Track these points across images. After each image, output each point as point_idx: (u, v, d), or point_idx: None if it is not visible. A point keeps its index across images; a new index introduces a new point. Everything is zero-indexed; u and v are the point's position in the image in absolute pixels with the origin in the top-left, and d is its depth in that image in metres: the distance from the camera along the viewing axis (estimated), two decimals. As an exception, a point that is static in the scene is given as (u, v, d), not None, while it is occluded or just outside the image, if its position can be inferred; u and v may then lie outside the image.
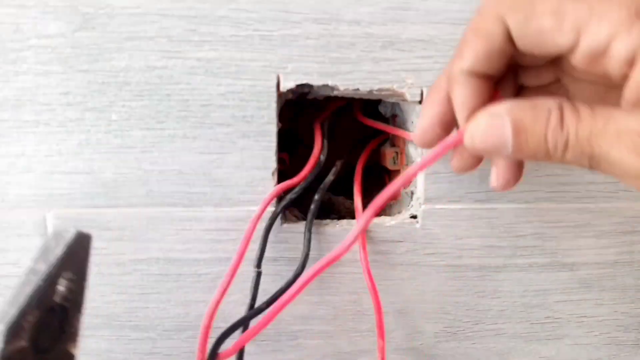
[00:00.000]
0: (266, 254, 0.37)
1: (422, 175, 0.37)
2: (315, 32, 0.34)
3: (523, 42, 0.25)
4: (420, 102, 0.36)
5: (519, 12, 0.24)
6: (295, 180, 0.37)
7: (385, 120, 0.44)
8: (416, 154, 0.39)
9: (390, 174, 0.44)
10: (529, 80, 0.29)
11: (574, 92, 0.28)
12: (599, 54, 0.23)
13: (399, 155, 0.41)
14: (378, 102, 0.43)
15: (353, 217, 0.39)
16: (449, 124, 0.28)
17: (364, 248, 0.37)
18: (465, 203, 0.38)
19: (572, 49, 0.24)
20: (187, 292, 0.37)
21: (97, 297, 0.37)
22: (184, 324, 0.38)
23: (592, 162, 0.24)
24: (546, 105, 0.24)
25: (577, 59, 0.24)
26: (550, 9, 0.24)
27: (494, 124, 0.25)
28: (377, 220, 0.38)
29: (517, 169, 0.28)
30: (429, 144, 0.29)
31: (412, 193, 0.39)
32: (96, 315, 0.37)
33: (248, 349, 0.39)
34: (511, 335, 0.41)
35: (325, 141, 0.39)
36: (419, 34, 0.35)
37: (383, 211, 0.40)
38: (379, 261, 0.38)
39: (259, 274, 0.35)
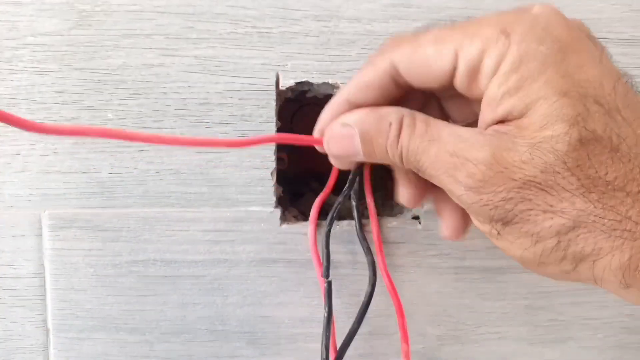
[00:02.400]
0: (265, 255, 0.36)
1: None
2: (315, 29, 0.34)
3: (410, 73, 0.27)
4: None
5: (406, 47, 0.26)
6: (327, 190, 0.37)
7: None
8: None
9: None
10: (451, 112, 0.30)
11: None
12: (474, 72, 0.25)
13: None
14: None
15: (352, 218, 0.38)
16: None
17: (381, 251, 0.36)
18: (468, 203, 0.37)
19: (452, 71, 0.25)
20: (184, 294, 0.37)
21: (93, 299, 0.36)
22: (181, 326, 0.37)
23: (422, 174, 0.26)
24: (388, 118, 0.26)
25: (459, 82, 0.26)
26: (432, 38, 0.26)
27: (345, 133, 0.28)
28: (382, 221, 0.37)
29: (463, 217, 0.30)
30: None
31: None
32: (92, 317, 0.37)
33: (247, 352, 0.38)
34: (515, 338, 0.40)
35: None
36: (420, 31, 0.34)
37: (384, 212, 0.39)
38: (380, 263, 0.37)
39: (329, 284, 0.35)
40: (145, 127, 0.34)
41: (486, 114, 0.25)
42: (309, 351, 0.39)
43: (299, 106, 0.40)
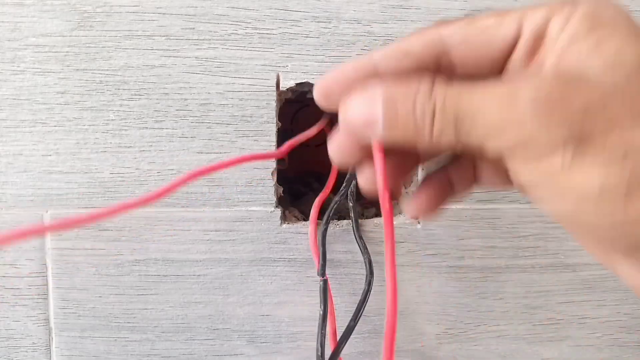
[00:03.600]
0: (265, 255, 0.37)
1: (423, 174, 0.37)
2: (315, 31, 0.34)
3: (464, 45, 0.24)
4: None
5: (460, 22, 0.24)
6: (327, 190, 0.37)
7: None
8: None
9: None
10: (484, 174, 0.27)
11: None
12: (539, 38, 0.23)
13: None
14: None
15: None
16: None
17: (392, 251, 0.36)
18: (467, 203, 0.37)
19: (515, 40, 0.23)
20: (185, 293, 0.37)
21: (95, 298, 0.37)
22: (182, 325, 0.38)
23: (457, 125, 0.22)
24: (417, 76, 0.23)
25: (521, 52, 0.24)
26: (491, 14, 0.24)
27: (367, 96, 0.23)
28: (377, 220, 0.38)
29: (441, 195, 0.27)
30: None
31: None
32: (94, 316, 0.37)
33: (247, 350, 0.38)
34: (513, 336, 0.40)
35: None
36: (420, 32, 0.35)
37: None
38: (380, 262, 0.38)
39: (325, 282, 0.35)
40: (146, 128, 0.35)
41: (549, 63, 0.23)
42: (309, 350, 0.39)
43: (300, 107, 0.40)
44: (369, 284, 0.35)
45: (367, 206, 0.40)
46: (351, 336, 0.37)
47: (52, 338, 0.37)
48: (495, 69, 0.24)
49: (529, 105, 0.20)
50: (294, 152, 0.41)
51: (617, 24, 0.22)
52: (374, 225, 0.37)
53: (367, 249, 0.36)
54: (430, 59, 0.24)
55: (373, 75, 0.24)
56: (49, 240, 0.36)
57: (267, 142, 0.35)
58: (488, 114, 0.21)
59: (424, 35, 0.24)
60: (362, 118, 0.23)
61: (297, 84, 0.35)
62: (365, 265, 0.36)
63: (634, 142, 0.20)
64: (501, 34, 0.24)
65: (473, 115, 0.21)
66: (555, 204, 0.22)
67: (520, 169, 0.22)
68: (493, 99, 0.21)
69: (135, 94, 0.34)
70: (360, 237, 0.36)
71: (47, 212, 0.35)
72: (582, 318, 0.40)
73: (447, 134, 0.22)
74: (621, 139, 0.20)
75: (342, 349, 0.34)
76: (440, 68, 0.24)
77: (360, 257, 0.37)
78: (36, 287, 0.36)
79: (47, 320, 0.37)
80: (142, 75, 0.34)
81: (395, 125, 0.23)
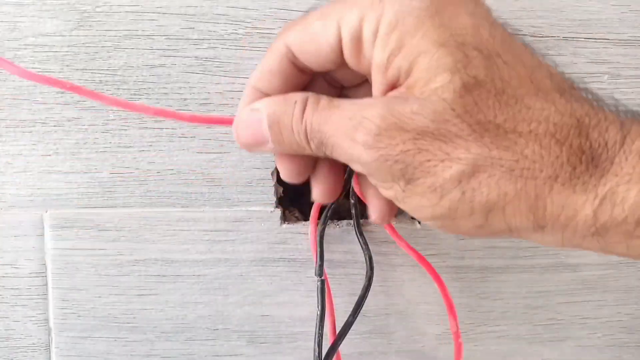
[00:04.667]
0: (265, 255, 0.37)
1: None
2: (315, 30, 0.34)
3: (303, 52, 0.26)
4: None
5: (296, 27, 0.26)
6: None
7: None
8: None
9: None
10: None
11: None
12: (358, 41, 0.24)
13: None
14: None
15: (351, 218, 0.38)
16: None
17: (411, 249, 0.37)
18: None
19: (339, 44, 0.25)
20: (185, 293, 0.37)
21: (95, 298, 0.37)
22: (182, 325, 0.38)
23: (325, 149, 0.25)
24: (294, 98, 0.26)
25: (348, 56, 0.25)
26: (318, 14, 0.26)
27: (253, 118, 0.27)
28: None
29: (390, 204, 0.29)
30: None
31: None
32: (93, 316, 0.37)
33: (247, 351, 0.38)
34: (514, 337, 0.40)
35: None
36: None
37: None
38: (380, 262, 0.38)
39: (323, 282, 0.35)
40: (146, 127, 0.35)
41: (378, 82, 0.25)
42: (309, 350, 0.39)
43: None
44: (369, 279, 0.35)
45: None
46: (351, 337, 0.37)
47: (52, 338, 0.37)
48: (337, 64, 0.26)
49: (362, 150, 0.24)
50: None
51: (421, 21, 0.23)
52: (374, 224, 0.37)
53: (367, 245, 0.36)
54: (288, 67, 0.27)
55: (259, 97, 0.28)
56: (49, 240, 0.36)
57: (267, 142, 0.35)
58: (339, 145, 0.25)
59: (273, 51, 0.27)
60: (252, 139, 0.27)
61: (297, 84, 0.35)
62: (366, 261, 0.36)
63: (444, 180, 0.23)
64: (326, 40, 0.25)
65: (332, 142, 0.25)
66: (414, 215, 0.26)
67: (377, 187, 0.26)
68: (341, 129, 0.24)
69: (135, 94, 0.34)
70: (362, 234, 0.36)
71: (46, 212, 0.35)
72: (583, 318, 0.40)
73: (321, 151, 0.26)
74: (436, 179, 0.23)
75: (340, 344, 0.34)
76: (301, 68, 0.27)
77: (360, 257, 0.37)
78: (36, 287, 0.36)
79: (46, 320, 0.37)
80: (142, 75, 0.34)
81: (282, 142, 0.26)
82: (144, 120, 0.34)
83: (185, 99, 0.34)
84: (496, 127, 0.22)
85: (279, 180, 0.36)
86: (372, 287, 0.36)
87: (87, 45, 0.34)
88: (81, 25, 0.34)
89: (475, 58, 0.23)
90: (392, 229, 0.36)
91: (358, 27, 0.24)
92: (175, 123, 0.35)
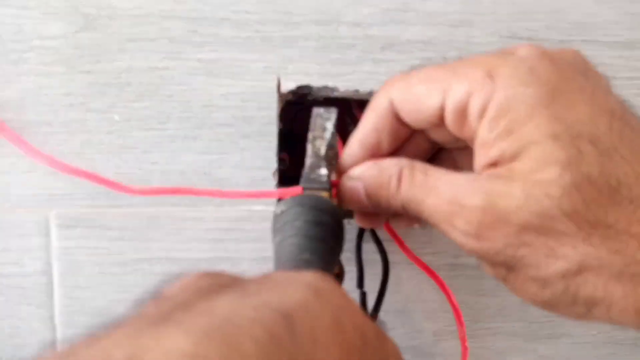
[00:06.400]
0: (267, 254, 0.37)
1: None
2: (316, 34, 0.35)
3: (405, 110, 0.27)
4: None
5: (400, 83, 0.27)
6: None
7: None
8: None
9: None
10: (460, 162, 0.30)
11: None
12: (462, 113, 0.25)
13: None
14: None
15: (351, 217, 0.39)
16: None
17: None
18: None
19: (442, 110, 0.25)
20: (188, 291, 0.37)
21: (99, 296, 0.37)
22: (185, 323, 0.38)
23: (428, 223, 0.26)
24: (388, 172, 0.27)
25: (449, 122, 0.26)
26: (423, 77, 0.26)
27: (352, 187, 0.28)
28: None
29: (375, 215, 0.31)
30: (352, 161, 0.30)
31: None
32: (98, 315, 0.37)
33: (249, 347, 0.39)
34: (510, 334, 0.41)
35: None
36: (419, 35, 0.35)
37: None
38: (377, 260, 0.38)
39: (364, 294, 0.36)
40: (150, 129, 0.35)
41: (480, 157, 0.25)
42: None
43: (300, 108, 0.40)
44: (386, 268, 0.36)
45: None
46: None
47: (57, 336, 0.38)
48: (437, 126, 0.27)
49: (463, 238, 0.24)
50: (295, 152, 0.41)
51: (534, 111, 0.23)
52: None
53: (378, 238, 0.36)
54: (392, 123, 0.28)
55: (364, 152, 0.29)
56: (54, 239, 0.36)
57: (269, 143, 0.36)
58: (437, 225, 0.26)
59: (377, 108, 0.28)
60: (355, 203, 0.29)
61: (297, 86, 0.35)
62: (380, 255, 0.36)
63: (548, 274, 0.23)
64: (429, 104, 0.26)
65: (430, 220, 0.26)
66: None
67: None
68: (440, 212, 0.25)
69: (139, 96, 0.35)
70: (372, 230, 0.37)
71: (51, 212, 0.36)
72: (578, 315, 0.41)
73: (416, 215, 0.27)
74: (539, 271, 0.23)
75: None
76: (405, 123, 0.28)
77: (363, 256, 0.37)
78: (41, 286, 0.37)
79: (52, 318, 0.37)
80: (146, 78, 0.34)
81: (379, 207, 0.28)
82: (148, 122, 0.35)
83: (188, 101, 0.35)
84: (607, 227, 0.21)
85: (281, 181, 0.37)
86: (369, 284, 0.36)
87: (91, 47, 0.34)
88: (85, 28, 0.34)
89: (589, 154, 0.22)
90: (389, 228, 0.37)
91: (464, 101, 0.24)
92: (179, 125, 0.35)
